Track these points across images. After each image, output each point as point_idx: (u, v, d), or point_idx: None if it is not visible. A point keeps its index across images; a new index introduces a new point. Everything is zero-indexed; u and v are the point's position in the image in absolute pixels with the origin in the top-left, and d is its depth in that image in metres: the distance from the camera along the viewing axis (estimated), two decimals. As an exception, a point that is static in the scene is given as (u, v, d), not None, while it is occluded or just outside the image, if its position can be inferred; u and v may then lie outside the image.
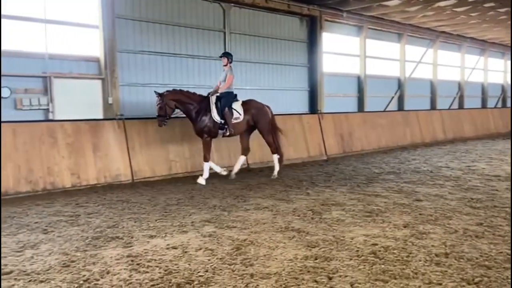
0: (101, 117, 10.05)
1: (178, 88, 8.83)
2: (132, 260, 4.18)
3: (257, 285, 3.59)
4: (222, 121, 8.65)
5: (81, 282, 3.67)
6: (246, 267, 3.97)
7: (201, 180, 8.55)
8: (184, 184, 8.54)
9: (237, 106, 8.98)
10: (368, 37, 16.72)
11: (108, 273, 3.86)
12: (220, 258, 4.21)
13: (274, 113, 9.71)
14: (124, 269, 3.96)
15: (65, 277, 3.78)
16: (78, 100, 9.95)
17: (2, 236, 5.10)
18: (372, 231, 5.03)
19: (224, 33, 12.58)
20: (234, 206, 6.51)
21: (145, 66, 11.02)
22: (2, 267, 4.04)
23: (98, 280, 3.71)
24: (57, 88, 9.64)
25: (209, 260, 4.18)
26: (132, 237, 4.96)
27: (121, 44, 10.45)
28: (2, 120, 8.16)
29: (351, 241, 4.70)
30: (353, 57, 16.65)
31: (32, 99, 9.30)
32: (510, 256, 4.14)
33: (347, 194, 7.31)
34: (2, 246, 4.69)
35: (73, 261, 4.19)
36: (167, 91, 8.56)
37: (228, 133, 8.79)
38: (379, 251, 4.34)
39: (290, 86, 14.44)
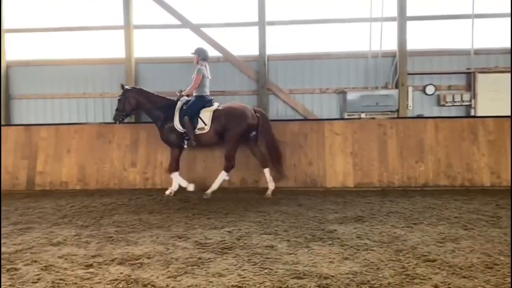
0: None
1: (145, 89, 8.06)
2: None
3: None
4: (184, 131, 7.51)
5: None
6: None
7: (168, 191, 7.67)
8: None
9: (205, 114, 7.50)
10: None
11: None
12: None
13: None
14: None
15: (489, 279, 3.60)
16: (502, 95, 9.38)
17: (424, 224, 5.42)
18: None
19: None
20: None
21: None
22: (424, 254, 4.27)
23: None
24: (481, 84, 9.40)
25: None
26: None
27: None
28: (426, 115, 8.73)
29: None
30: None
31: (455, 96, 9.49)
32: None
33: None
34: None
35: (496, 264, 3.94)
36: (133, 87, 8.08)
37: (186, 145, 7.60)
38: None
39: None
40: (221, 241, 4.68)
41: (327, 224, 5.47)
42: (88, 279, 3.58)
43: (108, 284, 3.45)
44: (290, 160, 8.23)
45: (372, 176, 8.09)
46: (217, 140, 7.58)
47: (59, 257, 4.17)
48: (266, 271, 3.72)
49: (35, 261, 4.06)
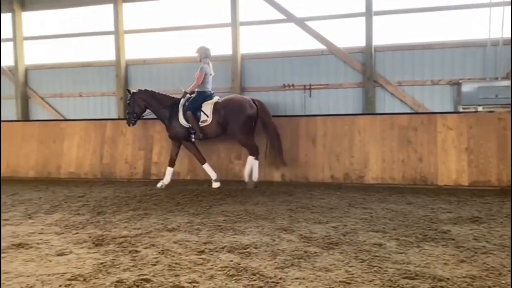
0: None
1: (154, 90, 8.47)
2: None
3: None
4: (189, 125, 7.87)
5: None
6: None
7: (216, 184, 8.00)
8: None
9: (207, 107, 7.89)
10: None
11: None
12: None
13: None
14: None
15: None
16: None
17: None
18: None
19: None
20: None
21: None
22: None
23: None
24: None
25: None
26: None
27: None
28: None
29: None
30: None
31: None
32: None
33: None
34: None
35: None
36: (139, 90, 8.40)
37: (194, 138, 7.96)
38: None
39: None
40: (326, 236, 4.65)
41: (440, 224, 5.15)
42: (201, 264, 3.77)
43: (219, 270, 3.60)
44: (397, 156, 7.88)
45: (490, 174, 7.45)
46: (220, 131, 7.96)
47: (174, 242, 4.46)
48: (375, 269, 3.61)
49: (153, 245, 4.38)
